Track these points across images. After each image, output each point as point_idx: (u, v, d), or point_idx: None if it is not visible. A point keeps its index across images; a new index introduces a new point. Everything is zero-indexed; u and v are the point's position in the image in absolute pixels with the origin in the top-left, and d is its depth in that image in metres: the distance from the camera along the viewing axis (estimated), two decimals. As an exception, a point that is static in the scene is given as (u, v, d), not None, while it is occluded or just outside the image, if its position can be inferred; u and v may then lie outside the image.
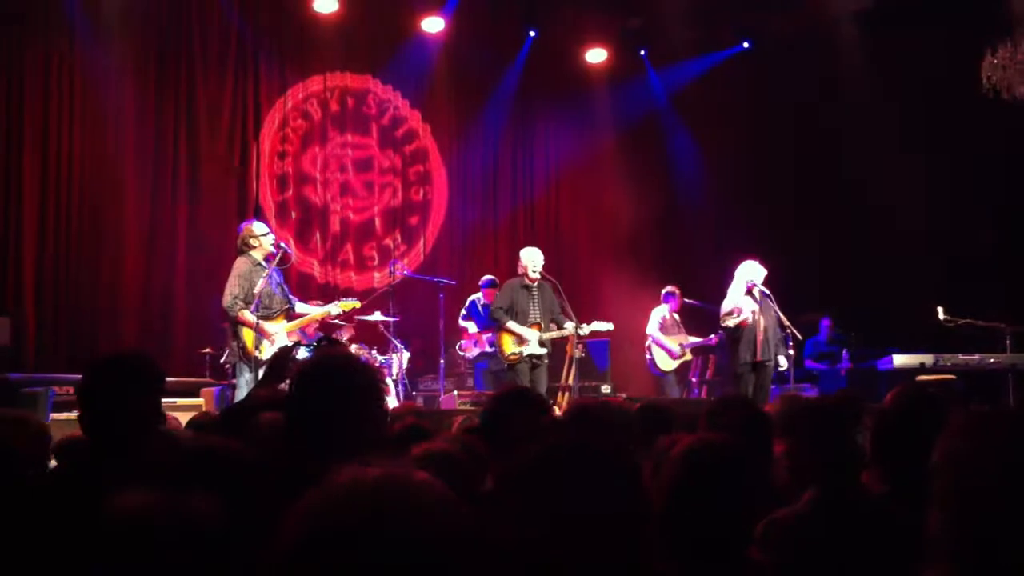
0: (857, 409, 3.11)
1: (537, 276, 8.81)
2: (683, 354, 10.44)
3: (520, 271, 8.90)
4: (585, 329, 8.84)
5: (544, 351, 8.73)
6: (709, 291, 10.13)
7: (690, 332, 10.69)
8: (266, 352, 7.48)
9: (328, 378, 2.29)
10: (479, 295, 10.35)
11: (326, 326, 9.16)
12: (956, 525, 1.59)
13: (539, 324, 8.72)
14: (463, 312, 10.42)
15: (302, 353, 8.07)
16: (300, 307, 8.10)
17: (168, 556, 1.20)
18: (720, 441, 2.20)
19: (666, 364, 10.38)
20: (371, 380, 2.35)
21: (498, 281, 10.25)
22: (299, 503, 1.13)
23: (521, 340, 8.66)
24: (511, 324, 8.67)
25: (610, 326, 9.07)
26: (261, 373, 7.42)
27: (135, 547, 1.20)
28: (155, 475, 1.94)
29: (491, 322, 9.08)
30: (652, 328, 10.46)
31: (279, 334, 7.66)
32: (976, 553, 1.56)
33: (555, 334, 8.80)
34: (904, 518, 2.44)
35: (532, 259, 8.83)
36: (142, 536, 1.21)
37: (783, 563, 2.29)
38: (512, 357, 8.70)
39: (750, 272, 9.22)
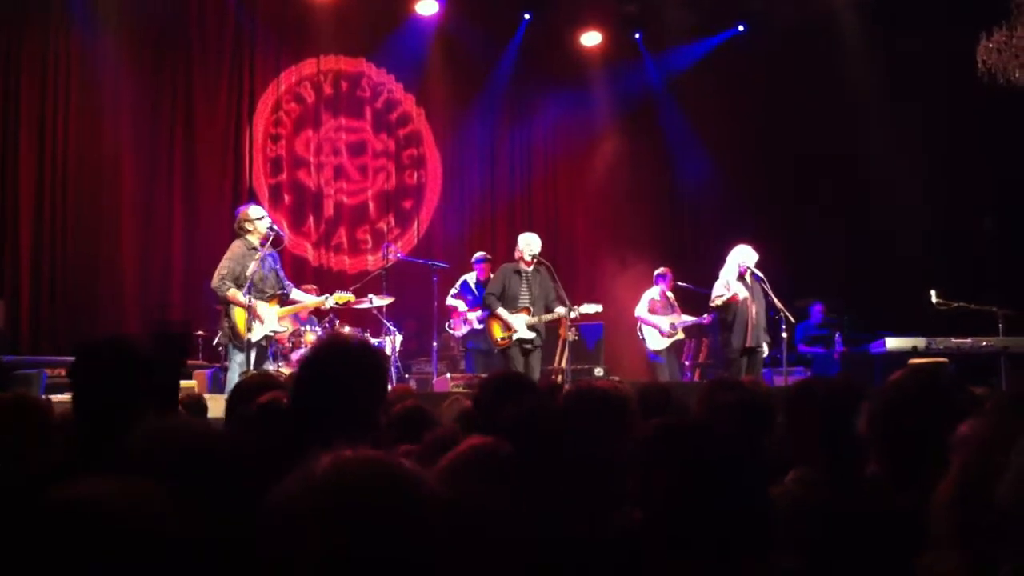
0: (860, 393, 3.12)
1: (532, 261, 8.81)
2: (674, 333, 10.41)
3: (516, 255, 8.94)
4: (575, 312, 8.84)
5: (534, 335, 8.74)
6: (705, 275, 10.12)
7: (684, 313, 10.66)
8: (257, 334, 7.49)
9: (342, 360, 2.29)
10: (471, 274, 10.31)
11: (319, 311, 9.17)
12: (970, 513, 1.60)
13: (528, 308, 8.73)
14: (453, 291, 10.36)
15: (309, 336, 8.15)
16: (295, 294, 8.12)
17: (115, 545, 1.19)
18: (715, 431, 2.19)
19: (656, 343, 10.35)
20: (382, 363, 2.38)
21: (490, 257, 10.24)
22: (283, 485, 1.13)
23: (509, 326, 8.69)
24: (500, 311, 8.72)
25: (599, 308, 9.08)
26: (253, 355, 7.46)
27: (79, 536, 1.18)
28: (126, 463, 1.93)
29: (484, 308, 9.12)
30: (640, 309, 10.44)
31: (270, 316, 7.66)
32: (987, 541, 1.57)
33: (544, 318, 8.81)
34: (900, 499, 2.45)
35: (527, 244, 8.85)
36: (87, 524, 1.19)
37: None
38: (501, 342, 8.74)
39: (742, 256, 9.23)
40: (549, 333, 9.71)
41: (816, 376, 8.30)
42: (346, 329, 9.55)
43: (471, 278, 10.26)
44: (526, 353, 8.75)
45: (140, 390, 2.84)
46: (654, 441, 1.94)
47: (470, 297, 10.19)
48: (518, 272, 8.86)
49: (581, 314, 8.98)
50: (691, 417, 3.22)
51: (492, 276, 9.31)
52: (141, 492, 1.26)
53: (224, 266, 7.63)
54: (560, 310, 8.79)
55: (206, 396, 6.86)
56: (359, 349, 2.39)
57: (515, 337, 8.68)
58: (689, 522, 1.81)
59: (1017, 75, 9.45)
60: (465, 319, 10.15)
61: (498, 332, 8.78)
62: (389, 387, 8.37)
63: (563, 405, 3.21)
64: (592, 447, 2.94)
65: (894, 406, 2.89)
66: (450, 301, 10.31)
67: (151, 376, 2.89)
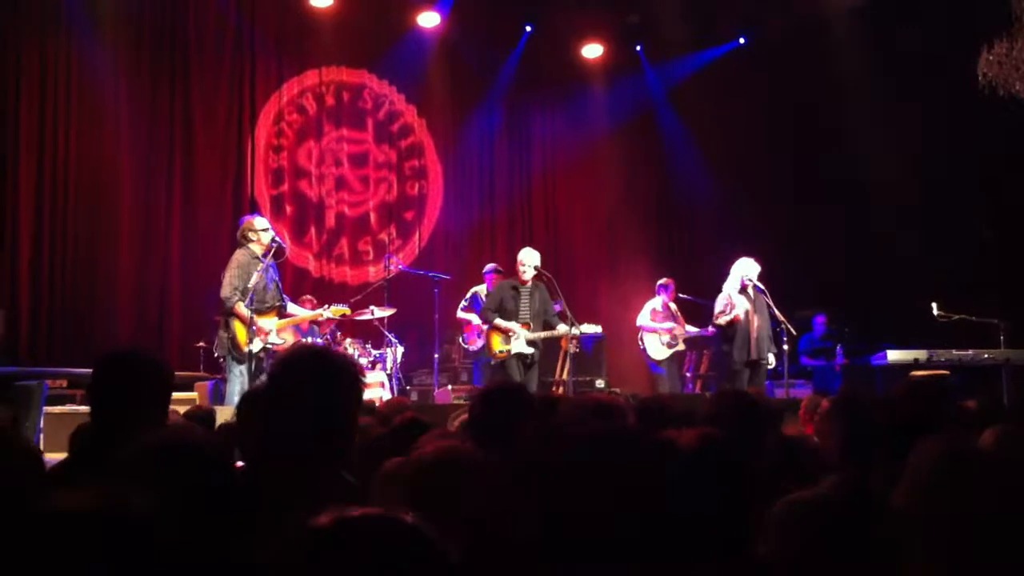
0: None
1: (528, 278, 8.80)
2: (675, 343, 10.40)
3: (517, 270, 8.92)
4: (576, 330, 8.81)
5: (532, 350, 8.73)
6: (706, 287, 10.12)
7: (687, 324, 10.63)
8: (256, 345, 7.48)
9: (307, 371, 2.27)
10: (482, 287, 10.27)
11: (321, 322, 9.17)
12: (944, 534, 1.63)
13: (528, 324, 8.72)
14: (464, 304, 10.33)
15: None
16: (291, 307, 8.13)
17: (100, 553, 1.19)
18: (718, 436, 2.20)
19: (658, 352, 10.34)
20: (352, 372, 2.34)
21: (501, 269, 10.19)
22: (280, 545, 1.12)
23: (508, 338, 8.68)
24: (498, 321, 8.71)
25: (598, 329, 9.08)
26: (253, 367, 7.45)
27: (66, 544, 1.19)
28: (124, 469, 1.94)
29: (482, 322, 9.13)
30: (642, 319, 10.45)
31: (271, 331, 7.66)
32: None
33: (543, 335, 8.79)
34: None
35: (524, 260, 8.82)
36: (66, 533, 1.20)
37: (799, 545, 2.30)
38: (500, 355, 8.73)
39: (745, 269, 9.24)
40: (551, 345, 9.69)
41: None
42: (347, 341, 9.57)
43: (481, 290, 10.20)
44: (526, 367, 8.74)
45: (161, 399, 2.86)
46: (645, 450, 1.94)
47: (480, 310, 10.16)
48: (515, 288, 8.85)
49: (581, 333, 8.94)
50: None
51: (490, 292, 9.31)
52: (128, 500, 1.26)
53: (234, 275, 7.60)
54: (562, 328, 8.78)
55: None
56: (319, 357, 2.36)
57: (514, 351, 8.67)
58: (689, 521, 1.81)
59: (1018, 87, 9.44)
60: (480, 332, 10.14)
61: (497, 345, 8.78)
62: (388, 397, 8.41)
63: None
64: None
65: (895, 416, 2.91)
66: (462, 315, 10.27)
67: (171, 386, 2.92)
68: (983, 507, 1.78)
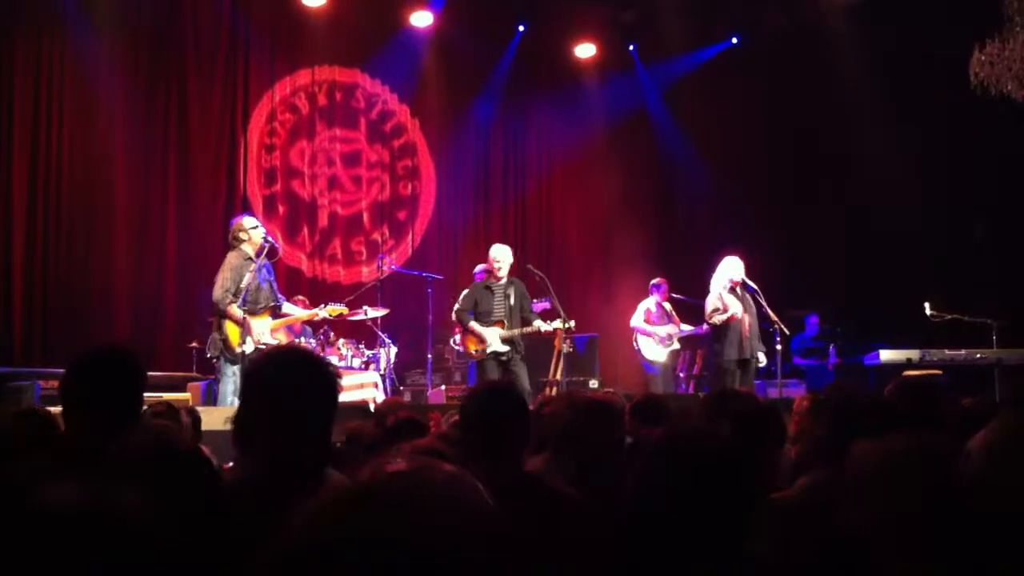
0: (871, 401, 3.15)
1: (502, 275, 8.71)
2: (670, 343, 10.39)
3: (493, 269, 8.81)
4: (548, 326, 8.70)
5: (508, 348, 8.60)
6: (701, 286, 10.12)
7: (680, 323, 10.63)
8: (249, 346, 7.46)
9: (281, 373, 2.26)
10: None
11: (314, 323, 9.15)
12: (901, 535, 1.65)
13: (502, 322, 8.62)
14: (458, 305, 10.27)
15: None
16: (287, 307, 8.11)
17: (82, 550, 1.19)
18: (708, 433, 2.20)
19: (653, 352, 10.32)
20: (328, 375, 2.32)
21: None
22: (319, 500, 1.11)
23: (482, 339, 8.59)
24: (472, 324, 8.63)
25: (571, 324, 8.94)
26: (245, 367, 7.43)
27: (49, 541, 1.19)
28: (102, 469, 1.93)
29: (457, 323, 9.01)
30: (636, 320, 10.43)
31: (264, 331, 7.64)
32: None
33: (518, 331, 8.64)
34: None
35: (497, 256, 8.74)
36: (56, 529, 1.20)
37: (776, 545, 2.30)
38: (476, 355, 8.64)
39: (731, 270, 9.22)
40: (545, 345, 9.64)
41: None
42: (340, 341, 9.55)
43: None
44: (502, 365, 8.61)
45: (137, 398, 2.85)
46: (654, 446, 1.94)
47: None
48: (489, 287, 8.76)
49: (554, 328, 8.82)
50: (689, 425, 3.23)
51: (464, 293, 9.21)
52: (124, 498, 1.26)
53: (227, 277, 7.59)
54: (537, 323, 8.66)
55: (199, 408, 6.84)
56: (301, 359, 2.35)
57: (489, 350, 8.57)
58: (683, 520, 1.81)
59: (1009, 87, 9.46)
60: None
61: (472, 346, 8.69)
62: (383, 397, 8.39)
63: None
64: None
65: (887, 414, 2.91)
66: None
67: (142, 385, 2.90)
68: (925, 505, 1.80)
